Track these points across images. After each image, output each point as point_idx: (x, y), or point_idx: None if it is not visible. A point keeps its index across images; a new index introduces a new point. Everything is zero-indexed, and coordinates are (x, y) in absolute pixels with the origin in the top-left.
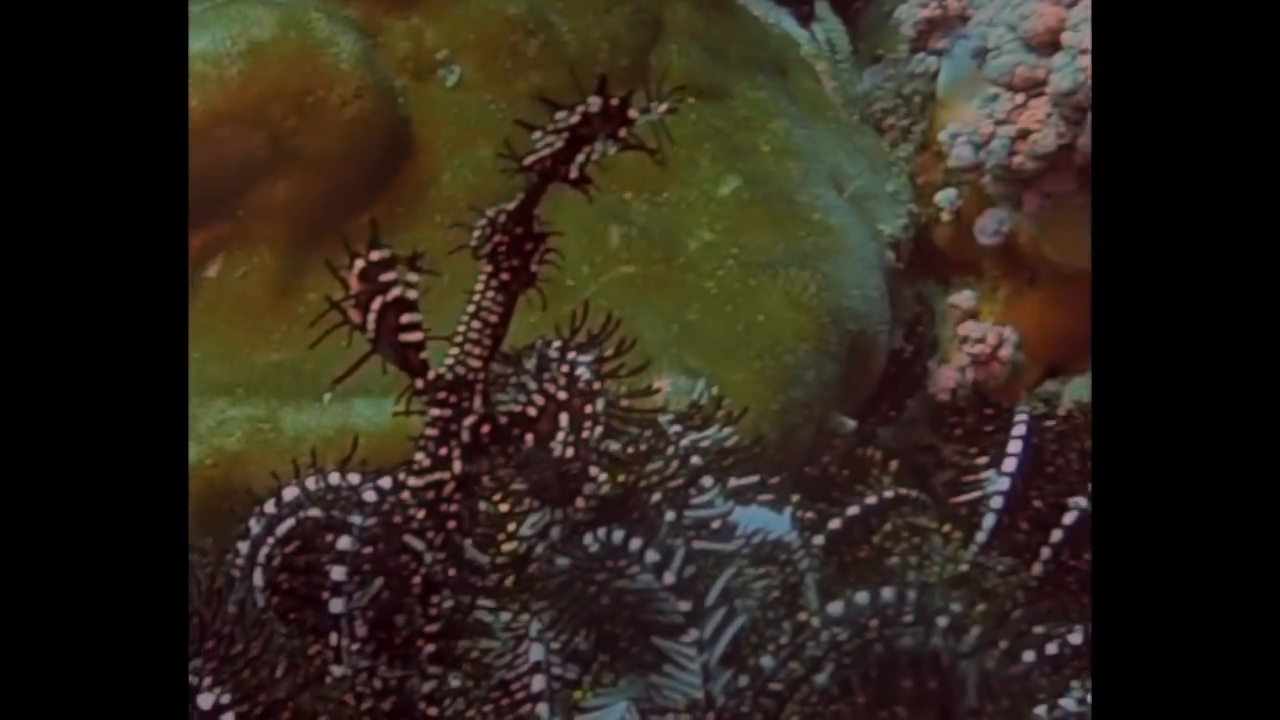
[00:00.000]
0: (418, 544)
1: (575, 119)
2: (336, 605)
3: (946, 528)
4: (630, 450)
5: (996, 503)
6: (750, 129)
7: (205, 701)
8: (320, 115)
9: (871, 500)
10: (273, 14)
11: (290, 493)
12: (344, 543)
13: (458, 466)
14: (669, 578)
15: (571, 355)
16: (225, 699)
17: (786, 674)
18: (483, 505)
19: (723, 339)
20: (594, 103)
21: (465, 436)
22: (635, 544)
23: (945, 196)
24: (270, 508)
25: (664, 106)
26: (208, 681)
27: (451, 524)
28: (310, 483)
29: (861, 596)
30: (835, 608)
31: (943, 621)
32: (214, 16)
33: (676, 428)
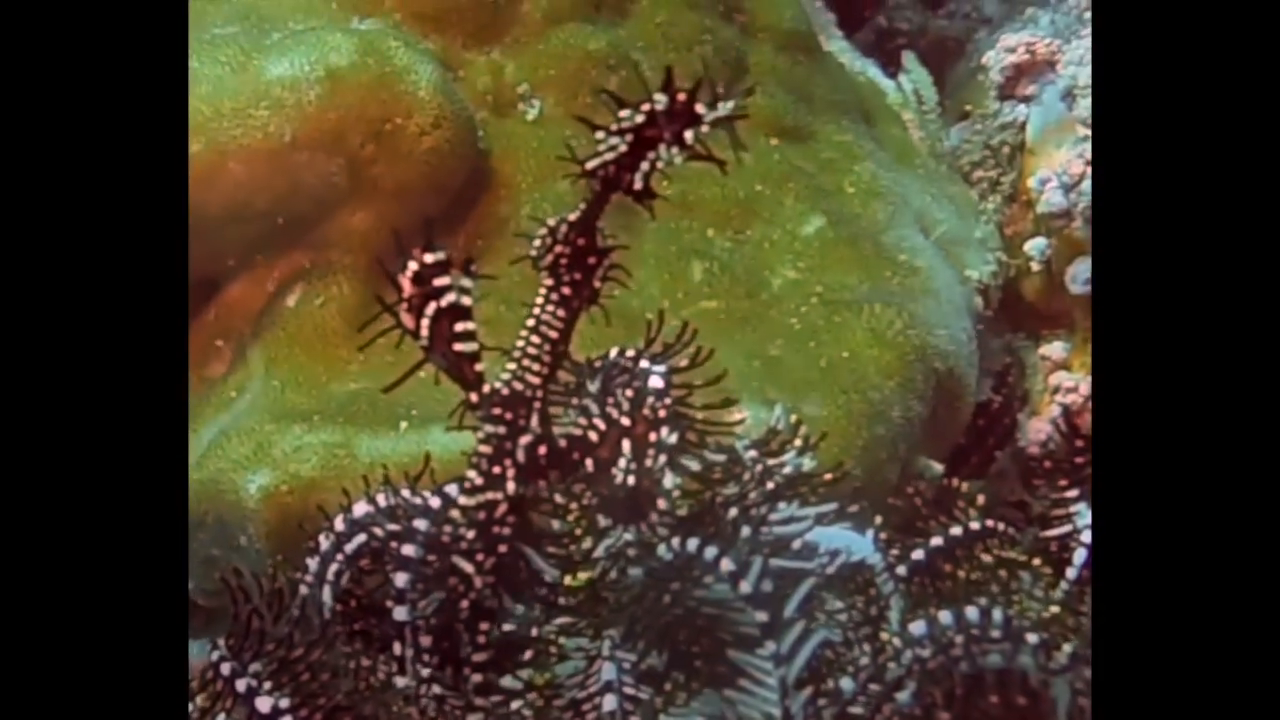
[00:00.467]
0: (467, 566)
1: (640, 118)
2: (401, 613)
3: (1036, 561)
4: (706, 472)
5: (1089, 537)
6: (835, 171)
7: (264, 705)
8: (398, 144)
9: (957, 532)
10: (351, 41)
11: (360, 509)
12: (409, 549)
13: (511, 487)
14: (745, 587)
15: (644, 364)
16: (284, 703)
17: (867, 695)
18: (555, 524)
19: (806, 374)
20: (660, 100)
21: (520, 456)
22: (710, 552)
23: (1036, 246)
24: (340, 524)
25: (730, 104)
26: (267, 685)
27: (503, 548)
28: (381, 499)
29: (945, 616)
30: (917, 627)
31: (1032, 639)
32: (293, 42)
33: (752, 453)
